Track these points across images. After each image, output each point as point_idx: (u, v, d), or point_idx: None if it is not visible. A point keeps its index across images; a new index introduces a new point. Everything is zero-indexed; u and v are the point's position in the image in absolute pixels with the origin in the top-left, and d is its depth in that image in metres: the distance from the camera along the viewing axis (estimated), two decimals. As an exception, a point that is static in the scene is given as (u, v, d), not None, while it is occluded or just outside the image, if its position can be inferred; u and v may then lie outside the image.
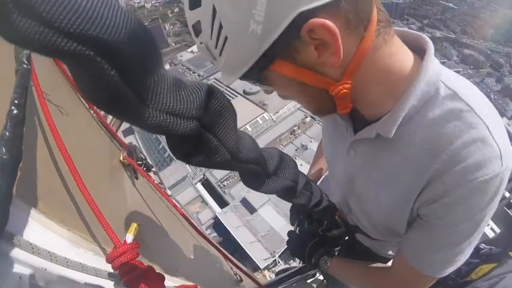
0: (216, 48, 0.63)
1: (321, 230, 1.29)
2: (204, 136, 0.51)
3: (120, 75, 0.34)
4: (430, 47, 0.72)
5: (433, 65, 0.70)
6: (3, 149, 0.56)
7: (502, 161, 0.66)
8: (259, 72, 0.66)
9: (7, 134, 0.59)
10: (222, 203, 26.74)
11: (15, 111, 0.64)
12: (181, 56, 58.18)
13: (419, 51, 0.73)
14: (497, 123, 0.69)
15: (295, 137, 34.59)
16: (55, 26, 0.29)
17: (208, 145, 0.52)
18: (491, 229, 2.77)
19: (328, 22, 0.56)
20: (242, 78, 0.68)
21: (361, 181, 0.93)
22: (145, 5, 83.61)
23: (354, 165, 0.92)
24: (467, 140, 0.66)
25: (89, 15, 0.30)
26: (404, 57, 0.71)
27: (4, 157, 0.55)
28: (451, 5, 71.79)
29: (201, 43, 0.66)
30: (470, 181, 0.66)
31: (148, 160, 1.58)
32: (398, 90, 0.71)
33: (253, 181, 0.75)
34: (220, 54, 0.64)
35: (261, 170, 0.72)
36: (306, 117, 35.62)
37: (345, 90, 0.68)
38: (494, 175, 0.66)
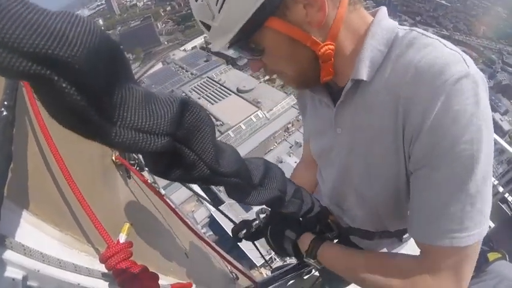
0: (216, 4, 0.68)
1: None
2: (180, 151, 0.49)
3: (80, 93, 0.32)
4: (383, 8, 0.84)
5: (387, 18, 0.81)
6: (-7, 150, 0.56)
7: (467, 63, 0.67)
8: (253, 32, 0.72)
9: (-3, 135, 0.59)
10: (218, 201, 26.73)
11: (4, 113, 0.64)
12: (173, 55, 57.97)
13: None
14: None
15: (289, 135, 34.67)
16: (8, 46, 0.27)
17: (186, 160, 0.51)
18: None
19: None
20: (233, 43, 0.75)
21: (356, 160, 0.92)
22: (137, 3, 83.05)
23: (345, 144, 0.92)
24: (424, 54, 0.69)
25: (44, 31, 0.29)
26: (369, 21, 0.81)
27: (-6, 159, 0.55)
28: (443, 2, 72.13)
29: (202, 0, 0.70)
30: (441, 85, 0.65)
31: (142, 159, 1.57)
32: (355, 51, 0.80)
33: (236, 194, 0.73)
34: (219, 11, 0.69)
35: (244, 182, 0.70)
36: (300, 114, 35.67)
37: (329, 51, 0.76)
38: (463, 75, 0.65)
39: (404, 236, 1.22)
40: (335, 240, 1.21)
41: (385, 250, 1.29)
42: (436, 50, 0.69)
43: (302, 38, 0.74)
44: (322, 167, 1.20)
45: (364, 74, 0.77)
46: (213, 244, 1.66)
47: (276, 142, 33.98)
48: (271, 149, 33.62)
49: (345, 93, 0.83)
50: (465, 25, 64.35)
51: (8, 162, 0.58)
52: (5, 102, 0.66)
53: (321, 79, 0.83)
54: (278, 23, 0.70)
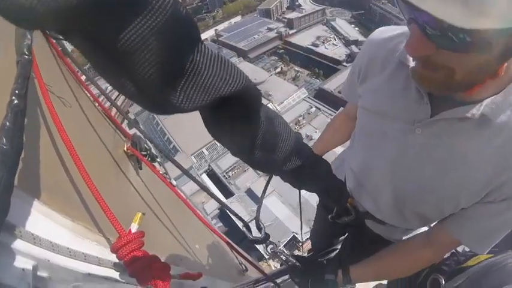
0: None
1: (330, 217, 1.27)
2: None
3: None
4: None
5: None
6: (4, 139, 0.55)
7: None
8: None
9: (7, 124, 0.58)
10: (228, 193, 26.83)
11: (15, 101, 0.63)
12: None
13: None
14: None
15: (300, 128, 34.50)
16: None
17: None
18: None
19: None
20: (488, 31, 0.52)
21: (418, 161, 0.90)
22: None
23: (415, 144, 0.89)
24: None
25: None
26: None
27: (4, 147, 0.54)
28: None
29: None
30: None
31: (153, 151, 1.57)
32: (503, 78, 0.72)
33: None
34: None
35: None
36: (311, 107, 35.50)
37: (503, 73, 0.68)
38: None
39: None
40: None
41: (404, 237, 1.29)
42: None
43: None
44: (362, 140, 1.14)
45: (498, 114, 0.76)
46: (224, 235, 1.66)
47: (287, 135, 33.83)
48: (281, 142, 33.36)
49: (462, 116, 0.79)
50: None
51: (19, 151, 0.58)
52: (16, 91, 0.65)
53: (468, 91, 0.74)
54: None
